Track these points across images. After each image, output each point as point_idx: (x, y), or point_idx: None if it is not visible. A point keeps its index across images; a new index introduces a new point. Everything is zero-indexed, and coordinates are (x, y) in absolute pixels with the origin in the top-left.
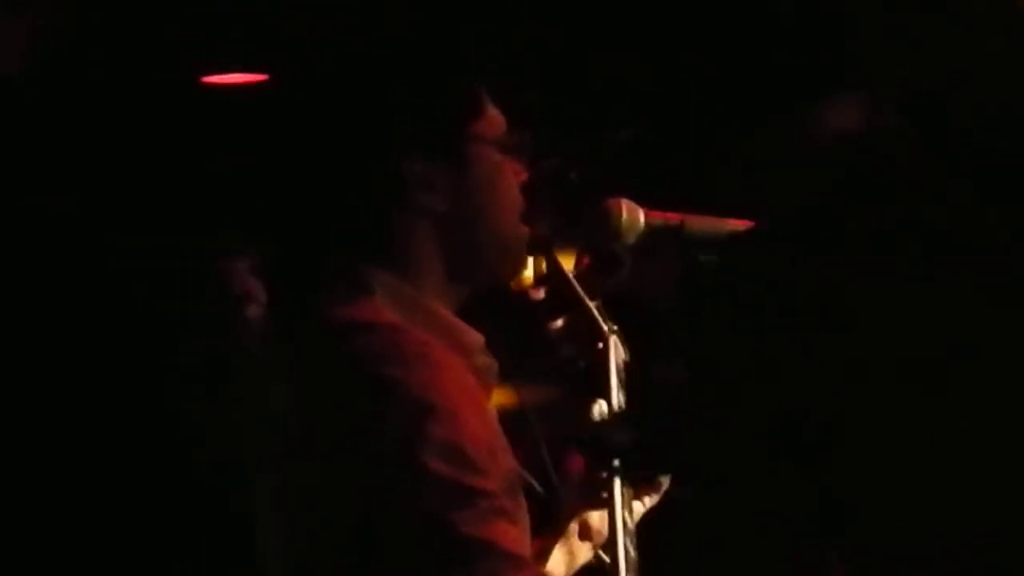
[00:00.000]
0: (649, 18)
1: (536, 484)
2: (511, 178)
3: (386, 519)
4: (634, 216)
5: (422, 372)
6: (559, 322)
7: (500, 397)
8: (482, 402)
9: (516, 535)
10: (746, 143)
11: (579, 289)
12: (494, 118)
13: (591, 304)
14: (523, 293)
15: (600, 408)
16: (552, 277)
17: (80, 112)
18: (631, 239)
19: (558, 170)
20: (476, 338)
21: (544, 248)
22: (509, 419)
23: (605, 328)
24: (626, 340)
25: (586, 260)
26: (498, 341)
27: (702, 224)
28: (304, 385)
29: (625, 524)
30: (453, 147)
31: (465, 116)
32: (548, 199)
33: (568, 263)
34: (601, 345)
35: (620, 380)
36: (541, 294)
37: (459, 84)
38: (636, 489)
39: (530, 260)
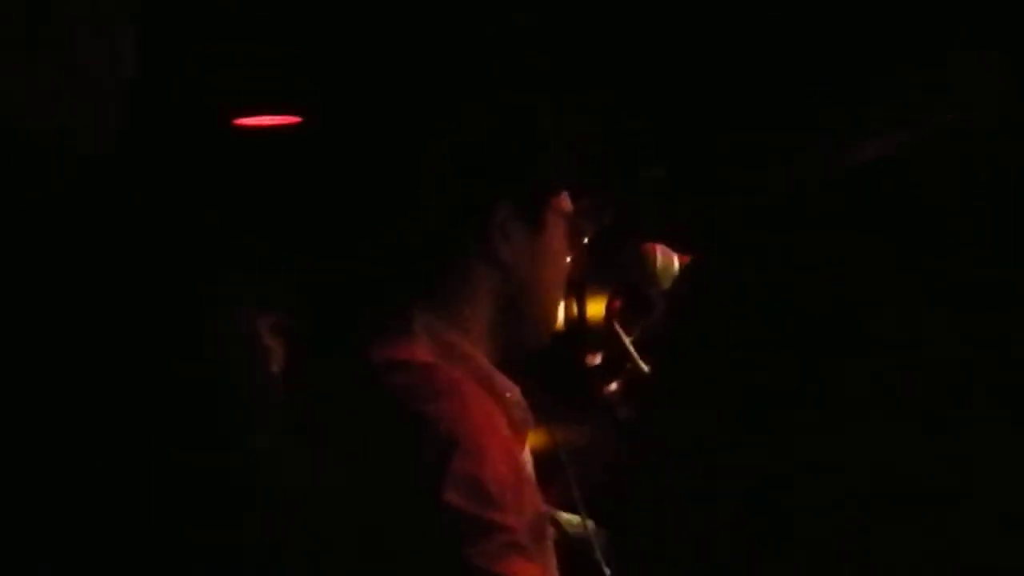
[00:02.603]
0: (681, 57)
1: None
2: (566, 253)
3: (404, 552)
4: (668, 261)
5: (450, 406)
6: (614, 385)
7: (533, 438)
8: (508, 441)
9: (533, 572)
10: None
11: (619, 329)
12: (567, 198)
13: (627, 341)
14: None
15: None
16: (583, 318)
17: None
18: (666, 284)
19: (590, 212)
20: (512, 388)
21: (576, 290)
22: (542, 460)
23: (642, 366)
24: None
25: (618, 303)
26: (533, 383)
27: None
28: (337, 420)
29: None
30: (537, 208)
31: (555, 184)
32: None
33: (599, 304)
34: None
35: None
36: (598, 360)
37: (560, 148)
38: None
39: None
